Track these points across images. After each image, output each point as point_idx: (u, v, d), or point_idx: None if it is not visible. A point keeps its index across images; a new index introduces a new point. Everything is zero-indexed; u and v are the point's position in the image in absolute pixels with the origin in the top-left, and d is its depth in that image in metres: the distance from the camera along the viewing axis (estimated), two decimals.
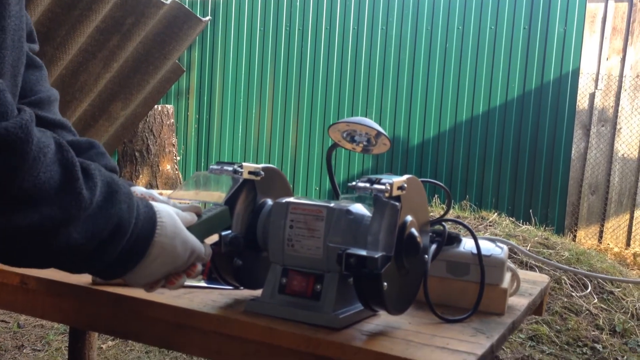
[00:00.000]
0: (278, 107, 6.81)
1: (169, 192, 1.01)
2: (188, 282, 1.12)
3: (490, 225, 4.22)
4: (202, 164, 7.01)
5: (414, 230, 0.94)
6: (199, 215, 0.95)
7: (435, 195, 5.51)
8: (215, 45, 6.95)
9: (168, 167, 5.35)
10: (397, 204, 0.89)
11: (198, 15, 2.13)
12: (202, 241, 0.92)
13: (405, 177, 0.94)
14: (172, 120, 5.47)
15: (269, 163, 1.02)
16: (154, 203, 0.86)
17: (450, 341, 0.93)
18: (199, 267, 0.92)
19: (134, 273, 0.84)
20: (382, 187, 0.89)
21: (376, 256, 0.87)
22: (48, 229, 0.70)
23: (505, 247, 1.17)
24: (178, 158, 5.70)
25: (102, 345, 2.99)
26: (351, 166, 6.65)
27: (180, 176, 5.64)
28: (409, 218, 0.94)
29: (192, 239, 0.89)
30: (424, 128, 6.47)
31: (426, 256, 1.01)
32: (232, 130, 6.95)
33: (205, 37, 6.93)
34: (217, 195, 1.04)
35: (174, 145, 5.45)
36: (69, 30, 1.63)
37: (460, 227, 3.14)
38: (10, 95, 0.67)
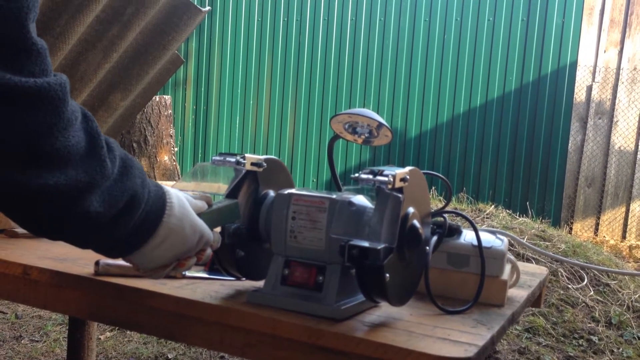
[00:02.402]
0: (276, 99, 6.80)
1: (169, 183, 1.02)
2: (189, 274, 1.13)
3: (487, 218, 4.23)
4: (200, 155, 7.00)
5: (416, 222, 0.95)
6: (209, 205, 0.95)
7: (433, 187, 5.52)
8: (213, 35, 6.92)
9: (166, 158, 5.34)
10: (399, 195, 0.90)
11: (197, 5, 2.12)
12: (211, 229, 0.93)
13: (407, 168, 0.94)
14: (170, 111, 5.46)
15: (267, 154, 1.03)
16: (163, 185, 0.88)
17: (451, 332, 0.94)
18: (209, 251, 0.93)
19: (142, 254, 0.85)
20: (385, 178, 0.90)
21: (378, 248, 0.87)
22: (73, 191, 0.72)
23: (506, 239, 1.18)
24: (176, 149, 5.69)
25: (100, 336, 3.00)
26: (349, 158, 6.65)
27: (178, 167, 5.63)
28: (411, 210, 0.95)
29: (200, 223, 0.90)
30: (422, 120, 6.47)
31: (427, 248, 1.02)
32: (230, 122, 6.93)
33: (202, 27, 6.91)
34: (218, 187, 1.05)
35: (171, 136, 5.44)
36: (68, 19, 1.63)
37: (459, 218, 3.15)
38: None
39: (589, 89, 6.18)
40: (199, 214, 0.91)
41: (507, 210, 4.59)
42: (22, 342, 2.99)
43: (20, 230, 1.34)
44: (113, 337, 3.02)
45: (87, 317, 1.56)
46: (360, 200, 0.99)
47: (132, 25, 1.86)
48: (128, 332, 3.05)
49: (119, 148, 0.80)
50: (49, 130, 0.68)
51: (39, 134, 0.68)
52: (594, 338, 3.02)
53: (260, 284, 1.04)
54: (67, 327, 2.17)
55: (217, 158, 1.05)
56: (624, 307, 3.33)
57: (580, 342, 2.99)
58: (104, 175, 0.75)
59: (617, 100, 6.14)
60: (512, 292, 1.18)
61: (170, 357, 2.80)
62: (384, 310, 1.02)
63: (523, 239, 3.63)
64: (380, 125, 1.09)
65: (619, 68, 6.14)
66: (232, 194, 1.01)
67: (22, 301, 1.18)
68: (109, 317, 1.13)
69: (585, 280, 3.43)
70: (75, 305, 1.13)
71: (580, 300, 3.28)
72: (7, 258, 1.15)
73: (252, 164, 1.03)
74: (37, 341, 3.01)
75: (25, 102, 0.66)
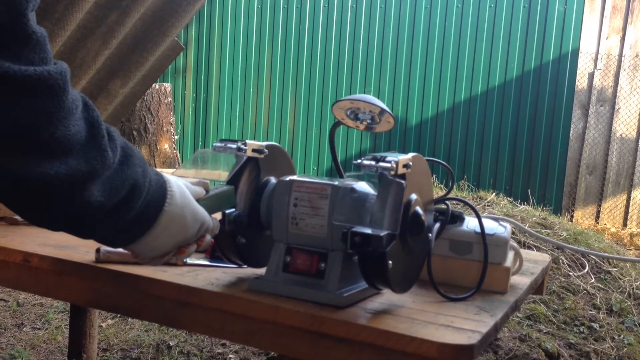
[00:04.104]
0: (276, 86, 6.77)
1: (169, 170, 1.01)
2: (191, 261, 1.13)
3: (488, 206, 4.22)
4: (200, 143, 6.99)
5: (418, 209, 0.94)
6: (207, 190, 0.95)
7: (434, 175, 5.51)
8: (213, 22, 6.88)
9: (166, 146, 5.33)
10: (402, 182, 0.89)
11: None
12: (209, 215, 0.92)
13: (410, 155, 0.93)
14: (170, 99, 5.44)
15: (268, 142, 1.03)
16: (163, 173, 0.87)
17: (454, 319, 0.93)
18: (208, 237, 0.92)
19: (143, 243, 0.84)
20: (388, 164, 0.89)
21: (381, 234, 0.86)
22: (73, 181, 0.71)
23: (509, 226, 1.17)
24: (176, 137, 5.68)
25: (102, 324, 3.01)
26: (349, 146, 6.63)
27: (178, 155, 5.62)
28: (414, 196, 0.94)
29: (201, 210, 0.89)
30: (422, 108, 6.44)
31: (430, 235, 1.01)
32: (230, 109, 6.91)
33: (202, 14, 6.87)
34: (219, 174, 1.04)
35: (171, 124, 5.42)
36: (67, 5, 1.61)
37: (462, 205, 3.14)
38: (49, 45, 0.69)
39: (591, 76, 6.15)
40: (197, 200, 0.91)
41: (508, 198, 4.58)
42: (23, 329, 2.99)
43: (20, 217, 1.33)
44: (115, 325, 3.03)
45: (88, 305, 1.56)
46: (363, 186, 0.98)
47: (131, 11, 1.85)
48: (130, 319, 3.05)
49: (120, 137, 0.79)
50: (48, 119, 0.67)
51: (39, 123, 0.67)
52: (595, 325, 3.03)
53: (261, 271, 1.04)
54: (69, 315, 2.17)
55: (218, 144, 1.04)
56: (625, 295, 3.33)
57: (582, 329, 3.00)
58: (105, 165, 0.74)
59: (618, 88, 6.12)
60: (514, 279, 1.18)
61: (172, 344, 2.80)
62: (387, 297, 1.01)
63: (524, 226, 3.62)
64: (382, 111, 1.08)
65: (620, 55, 6.11)
66: (233, 180, 1.01)
67: (22, 288, 1.17)
68: (109, 304, 1.12)
69: (587, 267, 3.43)
70: (75, 293, 1.12)
71: (581, 288, 3.28)
72: (8, 245, 1.14)
73: (254, 150, 1.03)
74: (39, 329, 3.01)
75: (24, 91, 0.65)
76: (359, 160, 0.92)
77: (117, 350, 2.77)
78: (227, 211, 0.99)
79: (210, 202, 0.94)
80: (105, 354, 2.72)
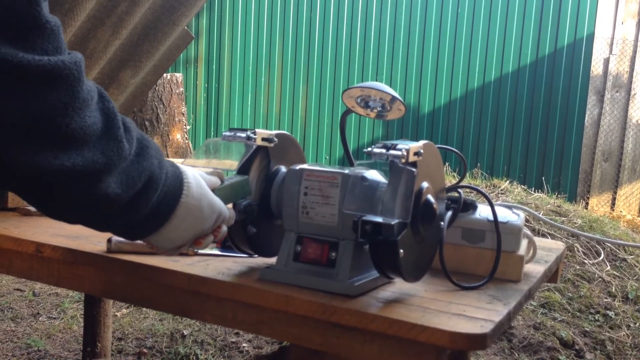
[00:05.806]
0: (287, 75, 6.75)
1: (180, 160, 1.00)
2: (201, 251, 1.12)
3: (502, 194, 4.20)
4: (212, 133, 7.00)
5: (430, 197, 0.93)
6: (222, 180, 0.94)
7: (447, 163, 5.48)
8: (223, 12, 6.87)
9: (178, 136, 5.34)
10: (413, 169, 0.88)
11: None
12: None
13: (421, 142, 0.92)
14: (182, 89, 5.44)
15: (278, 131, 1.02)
16: (179, 164, 0.86)
17: (467, 308, 0.92)
18: (224, 228, 0.92)
19: (161, 236, 0.84)
20: (399, 152, 0.88)
21: (392, 223, 0.86)
22: (90, 173, 0.70)
23: (522, 214, 1.16)
24: (188, 127, 5.69)
25: (116, 313, 3.03)
26: (361, 134, 6.61)
27: (190, 145, 5.63)
28: (425, 184, 0.93)
29: (217, 201, 0.89)
30: (435, 95, 6.40)
31: (442, 223, 1.00)
32: (242, 99, 6.91)
33: (213, 3, 6.85)
34: (229, 163, 1.03)
35: (183, 114, 5.43)
36: None
37: (474, 193, 3.12)
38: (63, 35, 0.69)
39: (606, 61, 6.06)
40: (213, 190, 0.90)
41: (522, 186, 4.55)
42: (39, 319, 3.03)
43: (33, 208, 1.33)
44: (129, 314, 3.05)
45: (100, 294, 1.57)
46: (374, 175, 0.97)
47: (140, 1, 1.84)
48: (144, 309, 3.07)
49: (136, 128, 0.78)
50: (64, 110, 0.66)
51: (54, 114, 0.66)
52: (611, 313, 3.00)
53: (272, 260, 1.03)
54: (84, 305, 2.19)
55: (228, 133, 1.03)
56: None
57: (597, 317, 2.98)
58: (121, 156, 0.73)
59: (634, 73, 6.03)
60: (528, 267, 1.17)
61: (186, 333, 2.82)
62: (398, 286, 1.00)
63: (539, 214, 3.59)
64: (393, 98, 1.07)
65: (636, 40, 6.02)
66: (242, 169, 1.00)
67: (35, 279, 1.18)
68: (121, 294, 1.13)
69: (602, 255, 3.40)
70: (88, 283, 1.13)
71: (596, 276, 3.25)
72: (20, 236, 1.15)
73: (263, 139, 1.02)
74: (55, 318, 3.04)
75: (39, 82, 0.64)
76: (370, 148, 0.91)
77: (132, 339, 2.79)
78: (237, 201, 0.98)
79: (225, 192, 0.93)
80: (120, 343, 2.75)
